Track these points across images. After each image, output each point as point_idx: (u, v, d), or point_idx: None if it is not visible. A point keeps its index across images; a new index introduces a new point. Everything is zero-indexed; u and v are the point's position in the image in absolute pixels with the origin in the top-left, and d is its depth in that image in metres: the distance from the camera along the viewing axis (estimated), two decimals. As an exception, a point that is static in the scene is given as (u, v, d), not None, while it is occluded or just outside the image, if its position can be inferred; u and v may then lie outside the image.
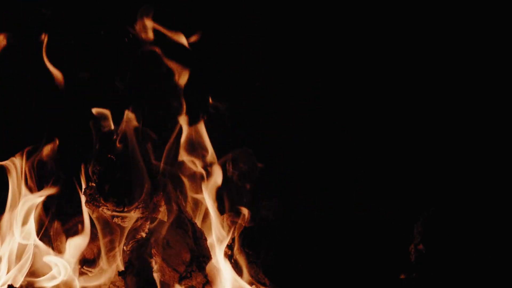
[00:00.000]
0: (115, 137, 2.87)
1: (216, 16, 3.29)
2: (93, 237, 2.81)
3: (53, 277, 2.69)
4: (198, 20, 3.27)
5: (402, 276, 2.68)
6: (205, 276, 2.64)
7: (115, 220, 2.77)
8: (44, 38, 2.97)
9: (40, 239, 2.78)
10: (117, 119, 2.95)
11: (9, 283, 2.57)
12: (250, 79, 3.29)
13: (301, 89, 3.31)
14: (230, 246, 2.71)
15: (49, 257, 2.69)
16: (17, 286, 2.61)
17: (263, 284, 2.62)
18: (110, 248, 2.81)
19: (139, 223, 2.80)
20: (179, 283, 2.62)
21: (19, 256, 2.70)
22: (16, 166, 2.82)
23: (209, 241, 2.78)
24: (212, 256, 2.74)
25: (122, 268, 2.72)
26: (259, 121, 3.28)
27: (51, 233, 2.83)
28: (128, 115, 2.84)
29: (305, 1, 3.30)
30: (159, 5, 3.03)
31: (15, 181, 2.80)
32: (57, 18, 3.08)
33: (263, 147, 3.17)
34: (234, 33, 3.30)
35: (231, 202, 2.92)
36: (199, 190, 2.88)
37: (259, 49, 3.29)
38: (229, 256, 2.69)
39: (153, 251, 2.68)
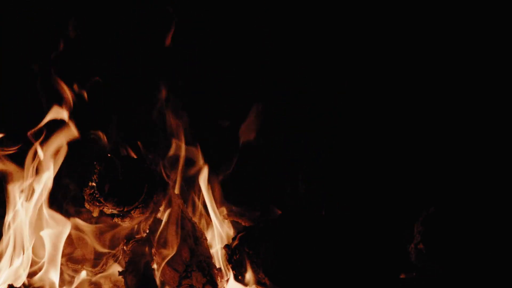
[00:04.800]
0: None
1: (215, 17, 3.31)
2: (93, 238, 2.82)
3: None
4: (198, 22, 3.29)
5: (402, 276, 2.68)
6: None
7: (115, 219, 2.77)
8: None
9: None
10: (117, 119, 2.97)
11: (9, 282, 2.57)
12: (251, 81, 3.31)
13: (301, 89, 3.31)
14: (229, 246, 2.71)
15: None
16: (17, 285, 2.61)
17: (263, 284, 2.62)
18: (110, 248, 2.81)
19: (139, 223, 2.80)
20: (179, 282, 2.62)
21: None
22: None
23: (209, 241, 2.79)
24: (213, 256, 2.75)
25: (122, 268, 2.72)
26: (259, 122, 3.28)
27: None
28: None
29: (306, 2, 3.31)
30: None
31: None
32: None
33: (264, 147, 3.18)
34: (234, 34, 3.32)
35: (231, 202, 2.93)
36: (199, 189, 2.88)
37: (260, 49, 3.30)
38: (229, 256, 2.69)
39: (153, 251, 2.68)
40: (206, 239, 2.75)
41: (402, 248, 2.72)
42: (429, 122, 3.20)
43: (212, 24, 3.29)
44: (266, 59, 3.30)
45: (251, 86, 3.30)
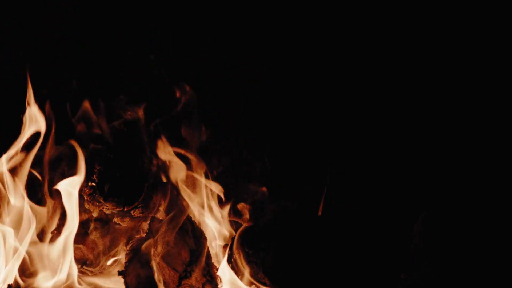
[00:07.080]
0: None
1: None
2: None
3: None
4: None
5: (402, 276, 2.68)
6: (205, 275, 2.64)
7: (115, 219, 2.77)
8: None
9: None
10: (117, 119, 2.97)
11: (9, 282, 2.56)
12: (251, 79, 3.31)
13: (301, 89, 3.32)
14: (230, 246, 2.71)
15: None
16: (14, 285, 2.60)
17: (263, 284, 2.62)
18: (110, 248, 2.81)
19: (139, 223, 2.80)
20: (179, 282, 2.62)
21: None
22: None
23: (209, 241, 2.78)
24: (212, 256, 2.75)
25: (122, 268, 2.72)
26: (260, 122, 3.29)
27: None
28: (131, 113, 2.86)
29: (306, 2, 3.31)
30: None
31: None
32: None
33: (264, 146, 3.18)
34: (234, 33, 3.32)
35: (231, 201, 2.93)
36: (198, 188, 2.88)
37: (259, 49, 3.30)
38: (229, 256, 2.69)
39: (153, 251, 2.68)
40: (206, 239, 2.75)
41: (402, 248, 2.72)
42: (429, 123, 3.21)
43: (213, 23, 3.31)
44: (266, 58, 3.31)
45: (249, 85, 3.31)
